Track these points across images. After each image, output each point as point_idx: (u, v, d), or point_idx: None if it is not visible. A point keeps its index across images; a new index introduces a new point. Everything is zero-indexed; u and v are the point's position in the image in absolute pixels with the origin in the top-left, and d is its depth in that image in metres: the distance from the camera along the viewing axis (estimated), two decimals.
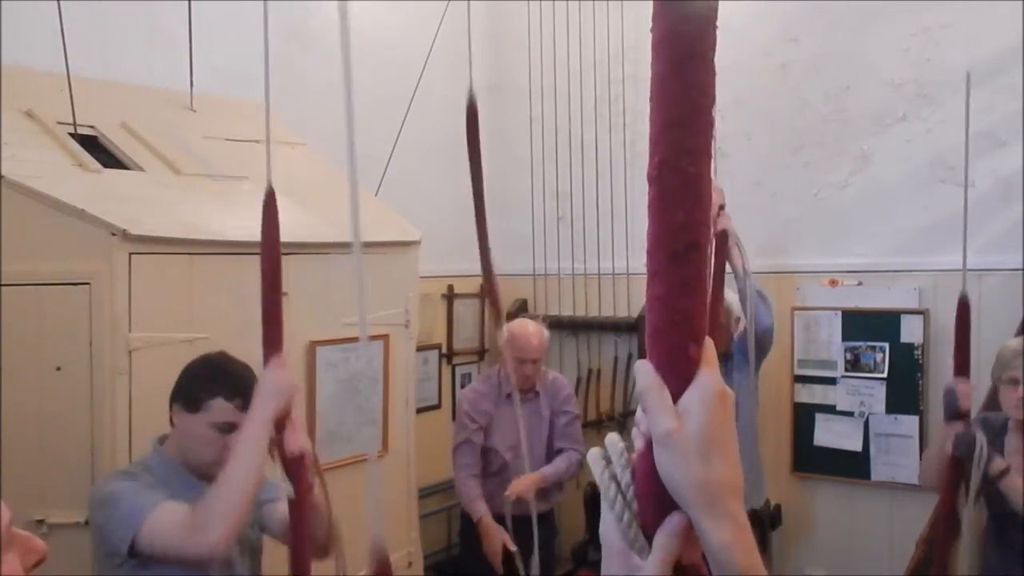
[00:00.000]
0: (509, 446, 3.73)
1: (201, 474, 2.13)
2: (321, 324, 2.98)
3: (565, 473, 3.79)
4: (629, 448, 0.69)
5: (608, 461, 0.68)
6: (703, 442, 0.63)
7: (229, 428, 2.06)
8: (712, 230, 3.50)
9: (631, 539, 0.66)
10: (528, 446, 3.75)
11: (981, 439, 2.67)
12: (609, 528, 0.68)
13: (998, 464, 2.76)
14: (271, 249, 1.86)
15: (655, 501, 0.65)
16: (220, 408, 2.07)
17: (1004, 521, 2.86)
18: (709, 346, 0.65)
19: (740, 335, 3.65)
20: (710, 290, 0.69)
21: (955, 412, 2.70)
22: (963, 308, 2.75)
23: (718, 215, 3.56)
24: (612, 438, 0.70)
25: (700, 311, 0.64)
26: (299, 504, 1.89)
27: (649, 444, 0.65)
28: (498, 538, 3.58)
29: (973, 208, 3.78)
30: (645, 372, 0.66)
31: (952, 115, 4.01)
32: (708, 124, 0.63)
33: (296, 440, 1.88)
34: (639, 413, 0.67)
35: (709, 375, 0.64)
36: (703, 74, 0.62)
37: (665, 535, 0.65)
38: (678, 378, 0.64)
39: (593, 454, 0.70)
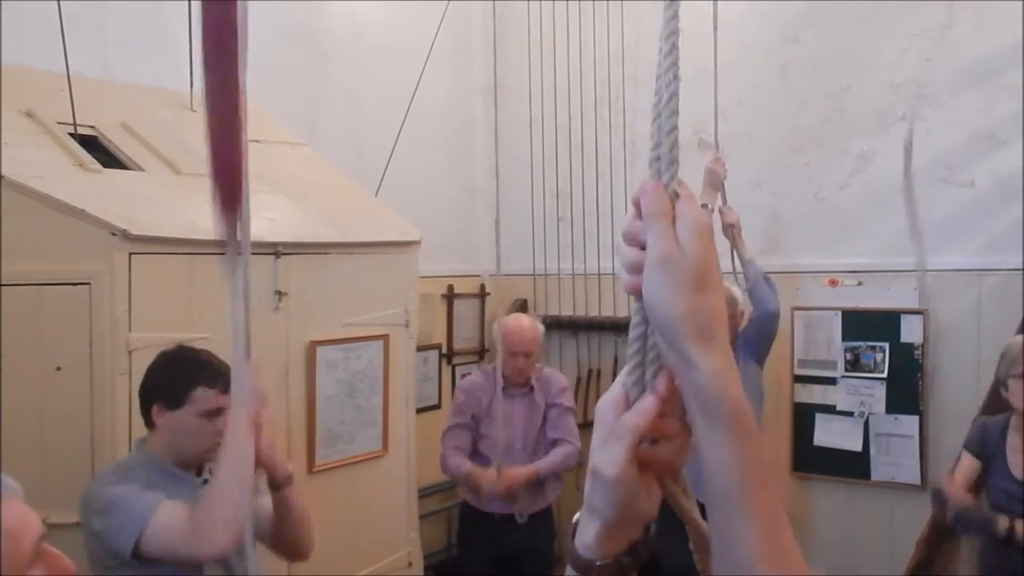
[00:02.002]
0: (500, 441, 3.73)
1: (192, 464, 2.17)
2: (321, 324, 2.99)
3: (561, 465, 3.75)
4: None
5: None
6: (697, 269, 0.63)
7: (216, 413, 2.09)
8: (715, 193, 3.83)
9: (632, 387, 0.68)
10: (523, 441, 3.76)
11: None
12: (602, 404, 0.70)
13: (1002, 523, 2.75)
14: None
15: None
16: (204, 396, 2.09)
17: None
18: (686, 187, 0.68)
19: (745, 329, 3.71)
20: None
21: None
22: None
23: (724, 210, 3.77)
24: None
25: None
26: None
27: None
28: (492, 478, 3.57)
29: (973, 208, 3.80)
30: (657, 195, 0.66)
31: (952, 115, 4.01)
32: None
33: (265, 442, 1.97)
34: (622, 246, 0.68)
35: (692, 208, 0.66)
36: None
37: (632, 413, 0.66)
38: None
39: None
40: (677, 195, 0.67)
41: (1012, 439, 2.91)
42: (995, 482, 2.93)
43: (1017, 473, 2.87)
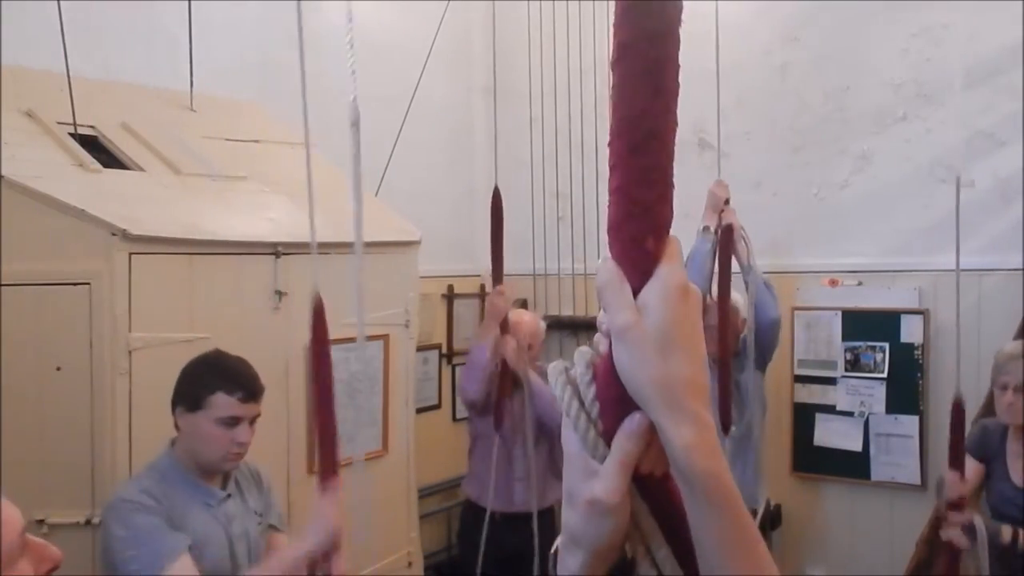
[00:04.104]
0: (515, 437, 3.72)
1: (210, 472, 2.15)
2: None
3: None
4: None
5: (568, 369, 0.65)
6: (662, 337, 0.59)
7: (233, 422, 2.08)
8: (716, 215, 3.62)
9: (591, 445, 0.62)
10: (521, 435, 3.73)
11: (981, 527, 2.63)
12: (568, 435, 0.64)
13: (1005, 533, 2.72)
14: (322, 364, 1.94)
15: (616, 405, 0.61)
16: (222, 403, 2.08)
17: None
18: (672, 242, 0.61)
19: (747, 336, 3.67)
20: (666, 186, 0.64)
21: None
22: (957, 410, 2.68)
23: (723, 210, 3.65)
24: (582, 349, 0.67)
25: (660, 203, 0.60)
26: None
27: (611, 345, 0.61)
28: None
29: (973, 208, 3.79)
30: (605, 267, 0.62)
31: (952, 115, 4.01)
32: (676, 7, 0.58)
33: (339, 569, 1.93)
34: (600, 314, 0.63)
35: (670, 269, 0.60)
36: None
37: (624, 436, 0.61)
38: (638, 273, 0.60)
39: (555, 366, 0.66)
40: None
41: (1011, 444, 2.91)
42: (996, 486, 2.93)
43: (1017, 480, 2.87)
